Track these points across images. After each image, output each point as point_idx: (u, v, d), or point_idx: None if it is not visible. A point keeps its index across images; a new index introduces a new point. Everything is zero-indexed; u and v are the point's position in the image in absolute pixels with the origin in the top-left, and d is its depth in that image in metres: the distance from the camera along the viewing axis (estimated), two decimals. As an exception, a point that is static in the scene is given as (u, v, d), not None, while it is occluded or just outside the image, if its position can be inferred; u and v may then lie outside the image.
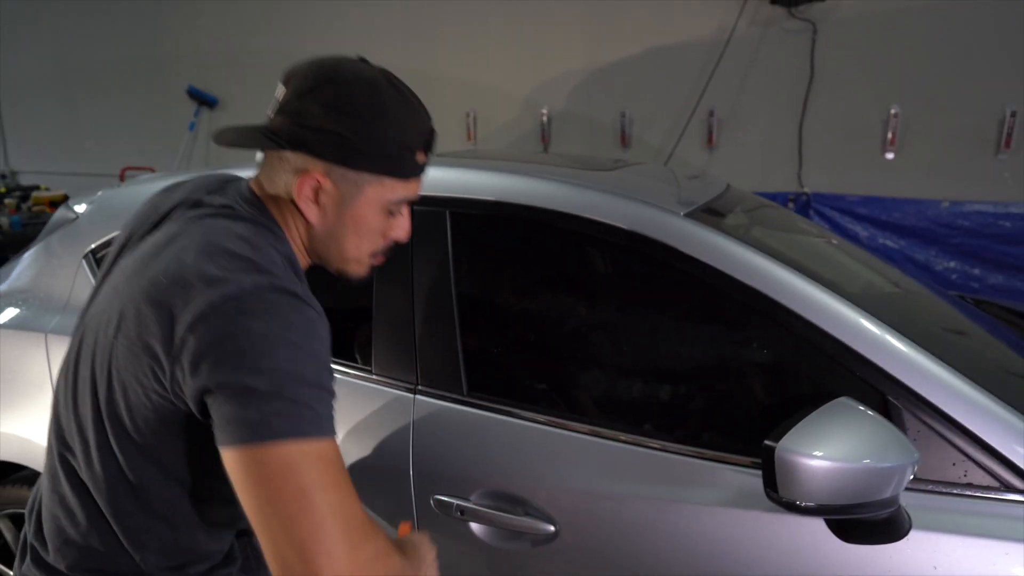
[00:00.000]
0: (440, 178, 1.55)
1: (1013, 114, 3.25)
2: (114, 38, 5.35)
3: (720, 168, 3.81)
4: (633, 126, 3.96)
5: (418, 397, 1.46)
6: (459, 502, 1.38)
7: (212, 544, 0.98)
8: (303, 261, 1.01)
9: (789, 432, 1.07)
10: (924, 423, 1.19)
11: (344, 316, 1.64)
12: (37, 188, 4.88)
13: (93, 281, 1.86)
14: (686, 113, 3.78)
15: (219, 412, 0.79)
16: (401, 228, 1.01)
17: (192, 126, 5.05)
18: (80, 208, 2.01)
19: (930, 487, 1.18)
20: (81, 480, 0.93)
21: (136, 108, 5.37)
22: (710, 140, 3.80)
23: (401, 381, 1.48)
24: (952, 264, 3.48)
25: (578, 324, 1.57)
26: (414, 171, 0.96)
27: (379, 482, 1.45)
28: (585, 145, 4.05)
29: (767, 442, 1.07)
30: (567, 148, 4.08)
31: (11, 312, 1.93)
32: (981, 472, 1.16)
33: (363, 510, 0.82)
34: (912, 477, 1.10)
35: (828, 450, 1.06)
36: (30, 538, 1.01)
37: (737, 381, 1.45)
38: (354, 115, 0.89)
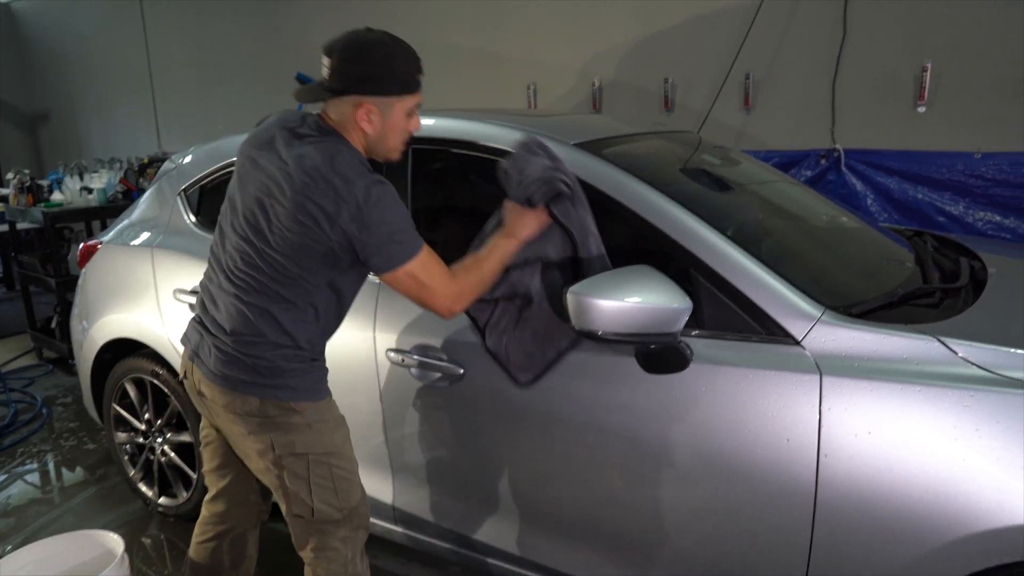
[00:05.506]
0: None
1: (1046, 62, 3.34)
2: (240, 35, 6.42)
3: (757, 128, 4.12)
4: (676, 91, 4.35)
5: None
6: (402, 355, 1.98)
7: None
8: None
9: (584, 281, 1.57)
10: (715, 288, 1.64)
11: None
12: (174, 162, 6.01)
13: (184, 211, 2.65)
14: (723, 77, 4.13)
15: (366, 253, 1.55)
16: (416, 123, 1.67)
17: (300, 107, 5.97)
18: (181, 160, 2.81)
19: (714, 334, 1.64)
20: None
21: (257, 93, 6.41)
22: (747, 101, 4.12)
23: (371, 271, 2.11)
24: (984, 215, 3.60)
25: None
26: (418, 86, 1.64)
27: (353, 342, 2.08)
28: (632, 110, 4.49)
29: (565, 289, 1.58)
30: (616, 114, 4.54)
31: (132, 235, 2.76)
32: (751, 322, 1.60)
33: (444, 269, 1.62)
34: (688, 321, 1.56)
35: (618, 294, 1.54)
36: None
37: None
38: (378, 64, 1.56)
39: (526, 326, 1.78)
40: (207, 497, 1.93)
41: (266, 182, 1.59)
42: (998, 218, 3.58)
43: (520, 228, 1.72)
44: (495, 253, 1.70)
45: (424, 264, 1.58)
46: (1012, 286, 1.88)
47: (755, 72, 4.07)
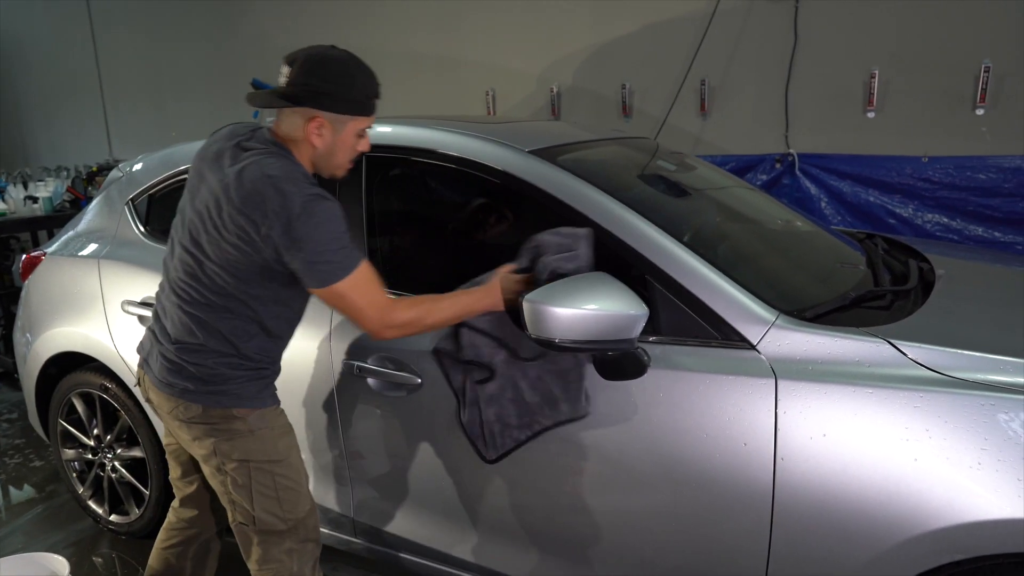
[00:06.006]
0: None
1: (987, 69, 3.45)
2: (195, 41, 6.29)
3: (713, 133, 4.18)
4: (633, 97, 4.39)
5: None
6: (359, 363, 1.95)
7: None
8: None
9: (540, 289, 1.56)
10: (671, 294, 1.65)
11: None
12: (126, 170, 5.87)
13: (132, 221, 2.58)
14: (680, 83, 4.17)
15: (294, 267, 1.52)
16: (365, 144, 1.68)
17: (256, 114, 5.87)
18: (129, 168, 2.73)
19: (671, 340, 1.64)
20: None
21: (212, 100, 6.29)
22: (702, 107, 4.17)
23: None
24: (932, 217, 3.70)
25: (447, 231, 2.11)
26: (372, 110, 1.65)
27: (309, 352, 2.04)
28: (590, 116, 4.52)
29: (519, 297, 1.57)
30: (574, 120, 4.55)
31: (78, 246, 2.68)
32: (707, 327, 1.61)
33: (379, 294, 1.57)
34: (644, 328, 1.56)
35: (575, 301, 1.53)
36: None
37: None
38: (337, 81, 1.55)
39: (491, 406, 1.74)
40: (175, 503, 1.96)
41: (207, 196, 1.58)
42: (945, 220, 3.69)
43: (486, 297, 1.68)
44: (452, 305, 1.65)
45: (355, 285, 1.54)
46: (959, 288, 1.93)
47: (711, 78, 4.13)
